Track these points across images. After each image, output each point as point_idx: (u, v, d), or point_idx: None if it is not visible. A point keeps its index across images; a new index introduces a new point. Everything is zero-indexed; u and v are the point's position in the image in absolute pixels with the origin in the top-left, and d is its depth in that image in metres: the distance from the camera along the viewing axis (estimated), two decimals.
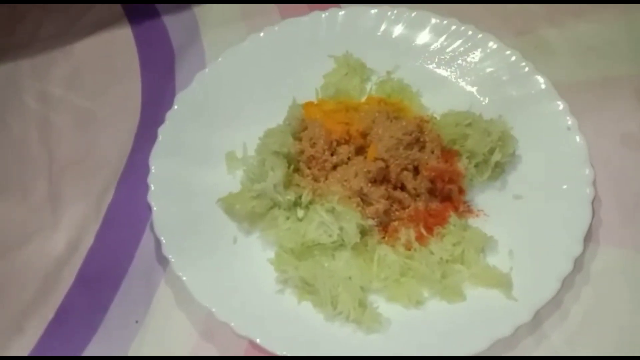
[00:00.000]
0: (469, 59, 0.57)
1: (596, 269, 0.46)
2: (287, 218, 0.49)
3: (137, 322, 0.47)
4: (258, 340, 0.43)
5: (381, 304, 0.45)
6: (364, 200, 0.48)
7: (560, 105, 0.52)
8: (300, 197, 0.49)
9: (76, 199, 0.54)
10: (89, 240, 0.51)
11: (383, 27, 0.60)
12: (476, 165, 0.50)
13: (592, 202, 0.46)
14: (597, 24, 0.59)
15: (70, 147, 0.57)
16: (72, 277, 0.49)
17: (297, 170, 0.50)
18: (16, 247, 0.51)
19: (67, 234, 0.51)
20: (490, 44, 0.57)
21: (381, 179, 0.48)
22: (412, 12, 0.59)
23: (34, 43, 0.65)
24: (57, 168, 0.56)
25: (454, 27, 0.58)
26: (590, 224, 0.46)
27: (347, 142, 0.50)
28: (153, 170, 0.52)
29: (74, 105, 0.60)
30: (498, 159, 0.49)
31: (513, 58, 0.55)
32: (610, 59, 0.57)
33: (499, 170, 0.51)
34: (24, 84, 0.62)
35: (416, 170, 0.49)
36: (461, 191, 0.49)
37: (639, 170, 0.50)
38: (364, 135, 0.50)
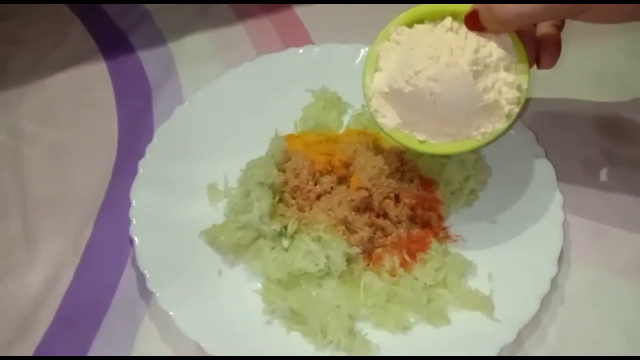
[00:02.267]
0: None
1: (570, 288, 0.48)
2: (273, 248, 0.49)
3: None
4: None
5: (369, 331, 0.45)
6: (349, 228, 0.49)
7: (528, 134, 0.55)
8: (285, 227, 0.49)
9: (53, 235, 0.52)
10: (68, 278, 0.50)
11: (357, 62, 0.62)
12: (452, 193, 0.52)
13: (563, 225, 0.49)
14: None
15: (45, 183, 0.56)
16: (50, 317, 0.48)
17: (280, 200, 0.51)
18: None
19: (44, 272, 0.50)
20: None
21: (364, 207, 0.50)
22: None
23: (3, 77, 0.64)
24: (31, 204, 0.54)
25: None
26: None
27: (329, 172, 0.51)
28: (134, 204, 0.51)
29: (47, 140, 0.59)
30: (472, 186, 0.52)
31: None
32: (569, 90, 0.61)
33: (473, 197, 0.53)
34: None
35: (397, 199, 0.51)
36: (440, 218, 0.51)
37: (599, 194, 0.54)
38: (346, 165, 0.52)
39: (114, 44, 0.68)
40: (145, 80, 0.64)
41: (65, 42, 0.68)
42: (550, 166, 0.53)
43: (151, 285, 0.46)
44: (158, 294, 0.46)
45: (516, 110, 0.43)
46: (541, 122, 0.57)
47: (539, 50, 0.44)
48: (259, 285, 0.48)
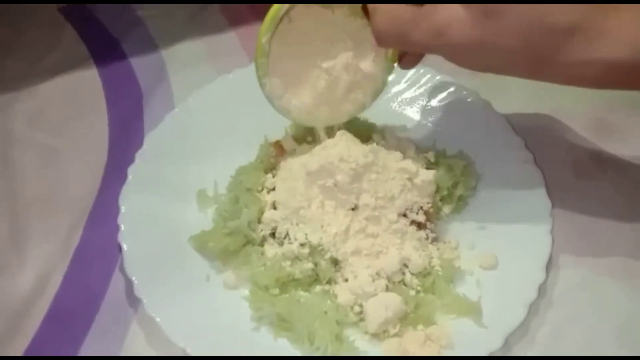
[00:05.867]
0: (429, 99, 0.60)
1: (558, 293, 0.48)
2: (262, 254, 0.49)
3: None
4: None
5: (357, 337, 0.45)
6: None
7: (517, 140, 0.55)
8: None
9: (42, 238, 0.52)
10: (56, 282, 0.49)
11: None
12: (441, 199, 0.52)
13: (551, 231, 0.49)
14: None
15: (34, 186, 0.56)
16: (39, 319, 0.47)
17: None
18: None
19: (33, 275, 0.50)
20: (449, 84, 0.60)
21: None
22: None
23: None
24: (20, 207, 0.54)
25: (413, 70, 0.61)
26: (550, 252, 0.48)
27: None
28: (123, 210, 0.51)
29: (38, 143, 0.60)
30: (461, 192, 0.52)
31: (471, 98, 0.59)
32: (559, 94, 0.61)
33: (462, 203, 0.53)
34: None
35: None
36: (430, 220, 0.51)
37: (590, 198, 0.54)
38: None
39: (105, 50, 0.68)
40: (137, 86, 0.64)
41: (57, 48, 0.68)
42: (539, 172, 0.53)
43: (138, 291, 0.46)
44: (145, 300, 0.46)
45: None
46: (530, 126, 0.57)
47: (403, 54, 0.49)
48: (247, 292, 0.48)
